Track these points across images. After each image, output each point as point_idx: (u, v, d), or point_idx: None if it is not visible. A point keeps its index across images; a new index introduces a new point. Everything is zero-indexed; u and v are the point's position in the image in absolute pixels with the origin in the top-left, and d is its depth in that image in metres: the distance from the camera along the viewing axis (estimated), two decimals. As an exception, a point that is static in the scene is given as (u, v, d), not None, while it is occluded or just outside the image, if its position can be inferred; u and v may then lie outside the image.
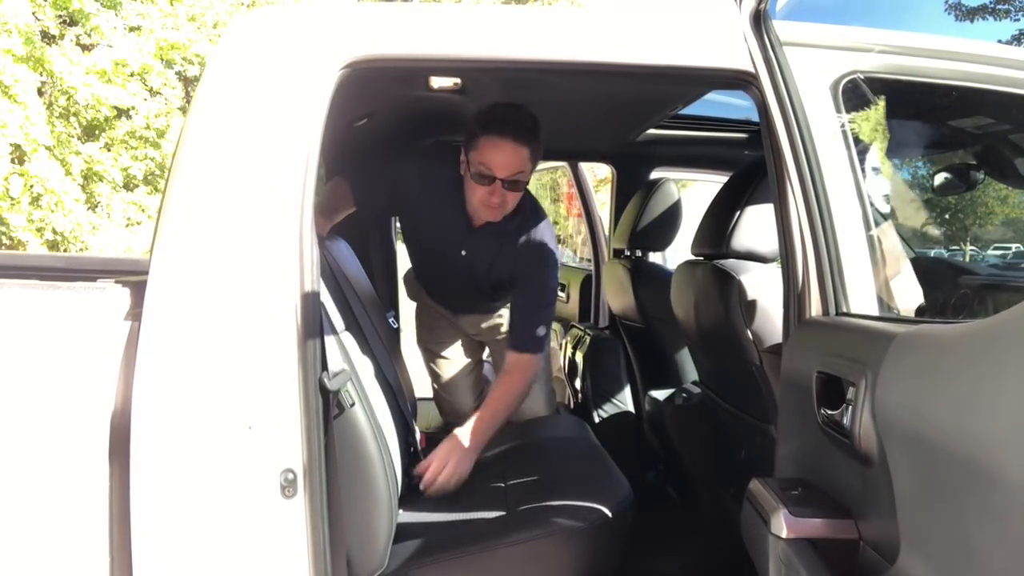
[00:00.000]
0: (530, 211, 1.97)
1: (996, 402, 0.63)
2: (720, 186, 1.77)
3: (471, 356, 2.48)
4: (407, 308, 3.03)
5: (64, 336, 1.12)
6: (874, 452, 0.87)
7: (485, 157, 1.79)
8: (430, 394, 2.64)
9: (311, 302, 1.12)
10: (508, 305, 2.23)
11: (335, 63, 1.16)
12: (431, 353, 2.48)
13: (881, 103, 1.40)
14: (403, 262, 2.60)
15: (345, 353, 1.39)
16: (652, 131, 2.60)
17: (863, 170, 1.18)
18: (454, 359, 2.45)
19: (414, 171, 1.97)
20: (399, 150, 2.52)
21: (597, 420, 2.69)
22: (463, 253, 2.00)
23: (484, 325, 2.38)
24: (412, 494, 1.65)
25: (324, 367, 1.16)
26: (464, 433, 1.74)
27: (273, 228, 1.11)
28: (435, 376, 2.51)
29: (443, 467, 1.67)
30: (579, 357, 2.92)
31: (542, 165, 2.88)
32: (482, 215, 1.90)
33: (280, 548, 1.09)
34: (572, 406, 3.05)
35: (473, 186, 1.83)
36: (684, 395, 2.21)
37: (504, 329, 2.31)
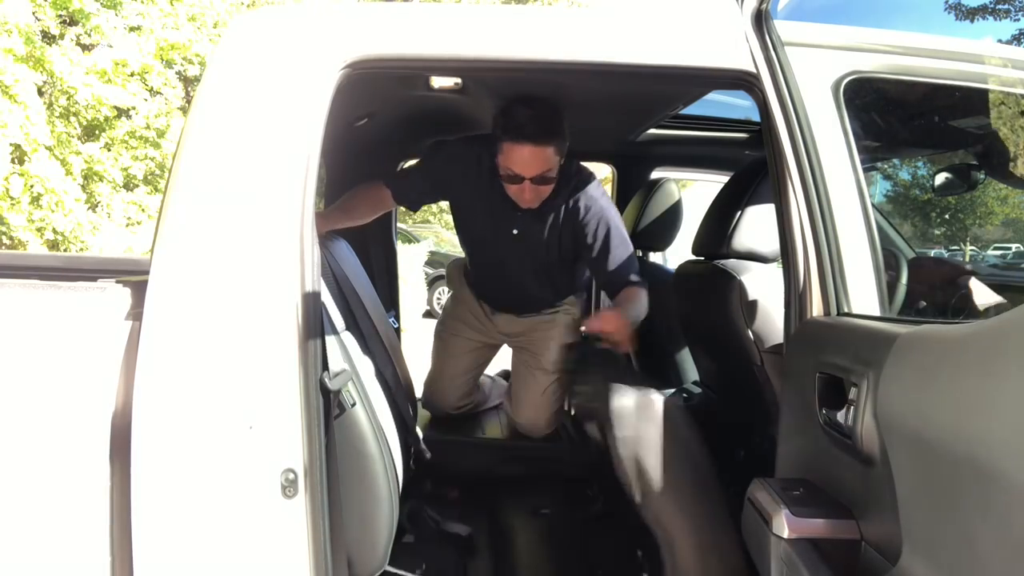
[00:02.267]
0: (575, 174, 2.02)
1: (998, 403, 0.63)
2: (720, 186, 1.77)
3: (476, 361, 2.49)
4: (407, 308, 3.02)
5: (65, 336, 1.12)
6: (876, 452, 0.87)
7: (509, 161, 1.88)
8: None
9: (311, 302, 1.11)
10: (552, 307, 2.28)
11: (335, 63, 1.16)
12: (443, 341, 2.49)
13: (882, 103, 1.40)
14: (409, 260, 2.59)
15: (346, 353, 1.38)
16: (653, 131, 2.59)
17: (864, 170, 1.18)
18: (460, 355, 2.45)
19: (455, 159, 2.03)
20: (409, 147, 2.51)
21: (597, 420, 2.68)
22: (515, 233, 2.05)
23: (520, 325, 2.37)
24: (412, 490, 1.65)
25: (325, 367, 1.16)
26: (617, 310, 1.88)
27: (273, 228, 1.11)
28: (435, 362, 2.51)
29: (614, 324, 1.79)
30: (579, 357, 2.91)
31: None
32: (521, 204, 1.98)
33: (281, 548, 1.09)
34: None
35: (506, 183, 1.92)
36: (684, 395, 2.21)
37: (538, 326, 2.33)
